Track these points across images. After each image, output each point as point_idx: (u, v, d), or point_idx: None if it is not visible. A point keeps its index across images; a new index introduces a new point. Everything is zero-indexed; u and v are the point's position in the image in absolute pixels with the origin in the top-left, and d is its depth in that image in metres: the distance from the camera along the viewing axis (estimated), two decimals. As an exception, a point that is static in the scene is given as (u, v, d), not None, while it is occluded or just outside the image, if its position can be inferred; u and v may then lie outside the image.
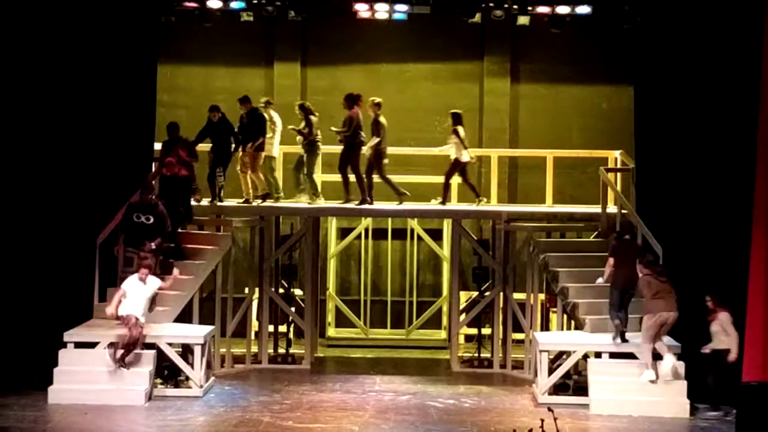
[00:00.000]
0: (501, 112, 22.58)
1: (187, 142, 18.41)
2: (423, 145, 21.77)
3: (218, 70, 22.55)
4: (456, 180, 20.80)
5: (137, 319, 15.97)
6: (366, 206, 19.55)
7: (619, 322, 16.22)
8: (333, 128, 19.60)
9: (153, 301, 16.48)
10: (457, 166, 19.82)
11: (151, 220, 16.80)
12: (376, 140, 19.42)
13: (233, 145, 19.28)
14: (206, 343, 16.61)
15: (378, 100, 19.74)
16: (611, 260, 16.31)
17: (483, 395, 16.99)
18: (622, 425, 15.16)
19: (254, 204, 19.49)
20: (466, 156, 19.73)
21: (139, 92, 17.86)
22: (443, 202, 19.84)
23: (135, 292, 16.16)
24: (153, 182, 17.65)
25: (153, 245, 16.63)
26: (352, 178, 19.60)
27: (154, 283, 16.32)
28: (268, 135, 19.83)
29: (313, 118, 19.78)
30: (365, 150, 19.44)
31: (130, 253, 16.79)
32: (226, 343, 18.74)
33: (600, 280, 16.53)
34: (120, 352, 15.81)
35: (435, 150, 20.47)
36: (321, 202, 19.75)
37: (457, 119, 19.76)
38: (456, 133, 19.73)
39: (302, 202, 19.79)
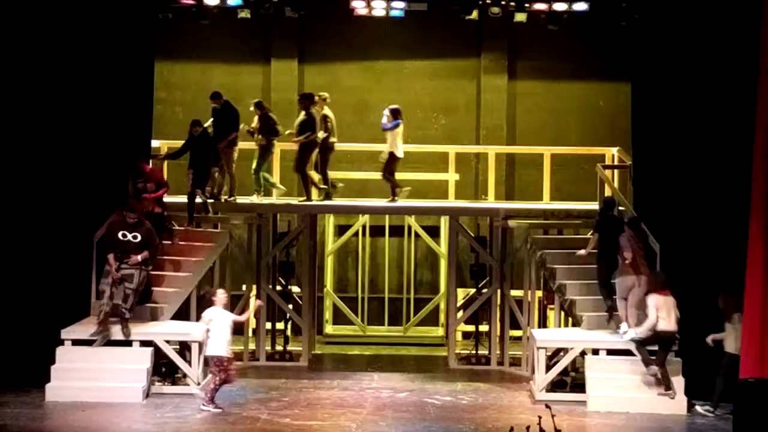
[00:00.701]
0: (498, 109, 22.58)
1: (153, 172, 17.63)
2: (420, 142, 21.78)
3: (215, 67, 22.55)
4: (453, 177, 20.83)
5: (229, 359, 15.43)
6: (327, 202, 19.72)
7: (611, 303, 16.49)
8: (290, 132, 19.53)
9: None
10: (394, 161, 19.77)
11: (138, 238, 16.43)
12: (324, 135, 19.43)
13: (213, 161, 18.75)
14: (204, 340, 16.58)
15: (325, 95, 19.84)
16: (595, 235, 16.81)
17: (480, 392, 17.00)
18: (619, 422, 15.17)
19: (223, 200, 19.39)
20: (401, 151, 19.70)
21: (136, 89, 17.84)
22: (393, 198, 19.78)
23: (219, 325, 15.46)
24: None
25: (139, 258, 16.38)
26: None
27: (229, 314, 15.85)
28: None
29: (272, 116, 19.71)
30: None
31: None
32: (223, 341, 18.73)
33: (582, 252, 16.85)
34: (211, 391, 15.37)
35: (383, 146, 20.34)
36: (272, 198, 19.62)
37: (396, 114, 19.71)
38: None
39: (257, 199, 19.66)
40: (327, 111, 19.69)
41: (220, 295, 15.73)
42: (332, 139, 19.68)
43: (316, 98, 19.78)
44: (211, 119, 19.50)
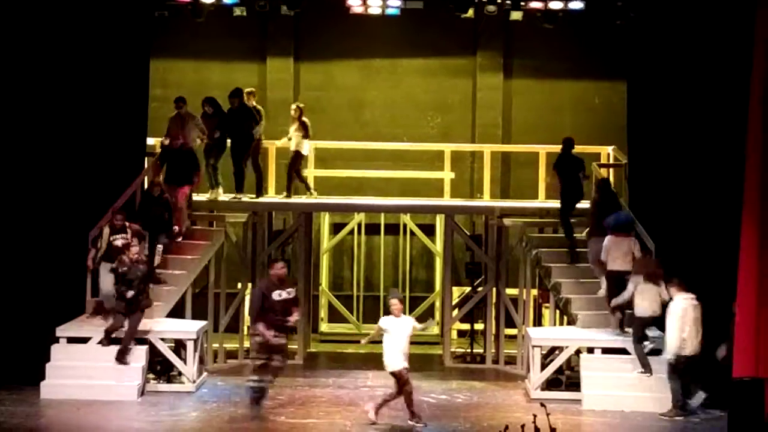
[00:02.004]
0: (494, 108, 22.58)
1: (132, 227, 16.91)
2: (416, 140, 21.79)
3: (211, 65, 22.52)
4: (449, 175, 20.82)
5: (407, 370, 14.52)
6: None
7: (571, 241, 17.85)
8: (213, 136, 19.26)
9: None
10: (299, 159, 19.80)
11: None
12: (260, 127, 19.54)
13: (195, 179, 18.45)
14: (199, 338, 16.60)
15: (252, 89, 19.83)
16: (554, 172, 18.17)
17: (475, 390, 17.01)
18: (614, 421, 15.19)
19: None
20: (306, 149, 19.76)
21: (131, 87, 17.86)
22: (288, 195, 19.84)
23: (395, 336, 14.45)
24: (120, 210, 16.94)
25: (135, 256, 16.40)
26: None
27: (409, 320, 14.78)
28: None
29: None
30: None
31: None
32: (218, 339, 18.76)
33: (548, 180, 18.61)
34: (383, 402, 14.70)
35: (278, 142, 20.37)
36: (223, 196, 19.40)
37: (302, 111, 19.74)
38: (303, 125, 19.69)
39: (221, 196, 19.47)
40: (258, 106, 19.76)
41: (397, 303, 14.63)
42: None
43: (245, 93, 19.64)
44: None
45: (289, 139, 19.96)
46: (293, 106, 20.11)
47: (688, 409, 15.36)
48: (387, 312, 14.82)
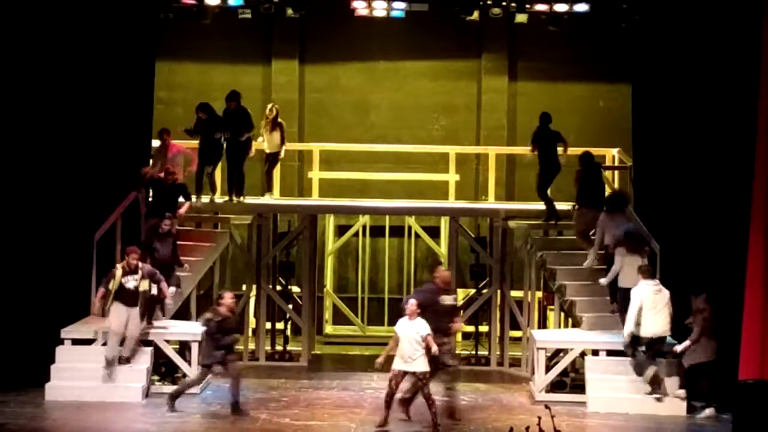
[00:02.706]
0: (499, 110, 22.57)
1: (145, 268, 16.44)
2: (420, 143, 21.79)
3: (216, 67, 22.51)
4: (454, 177, 20.82)
5: (424, 374, 14.28)
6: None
7: (552, 211, 18.40)
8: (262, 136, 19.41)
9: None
10: (276, 160, 19.84)
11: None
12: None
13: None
14: (203, 340, 16.58)
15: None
16: (533, 145, 18.65)
17: (480, 393, 17.00)
18: (618, 423, 15.18)
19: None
20: (282, 151, 19.80)
21: (136, 89, 17.88)
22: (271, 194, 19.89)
23: (407, 338, 14.20)
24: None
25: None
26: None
27: (422, 325, 14.33)
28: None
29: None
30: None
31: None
32: (223, 340, 18.75)
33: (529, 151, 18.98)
34: (409, 399, 14.69)
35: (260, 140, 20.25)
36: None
37: (277, 112, 19.81)
38: (281, 127, 19.69)
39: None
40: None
41: (412, 305, 14.35)
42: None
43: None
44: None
45: (262, 140, 19.84)
46: (269, 106, 19.99)
47: (663, 391, 15.61)
48: (393, 315, 14.73)
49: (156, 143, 18.94)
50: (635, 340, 15.65)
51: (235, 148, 19.01)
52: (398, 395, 14.52)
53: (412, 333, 14.22)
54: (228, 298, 15.49)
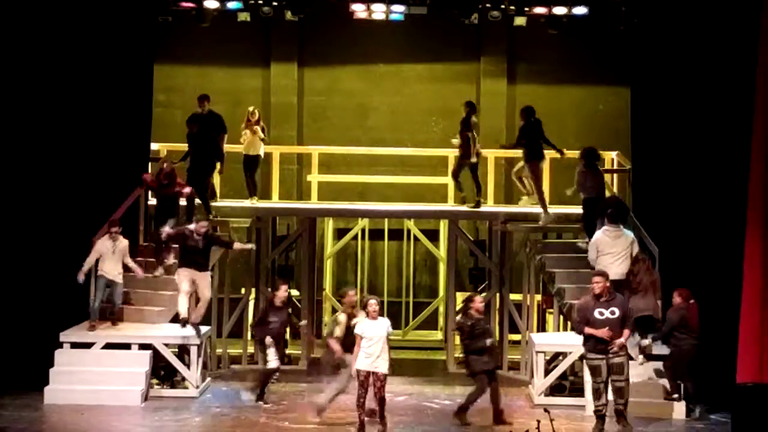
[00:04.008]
0: (498, 113, 22.57)
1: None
2: (420, 146, 21.79)
3: (215, 70, 22.52)
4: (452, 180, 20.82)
5: (386, 376, 14.12)
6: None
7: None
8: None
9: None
10: (257, 163, 19.90)
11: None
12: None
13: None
14: (202, 343, 16.61)
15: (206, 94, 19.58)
16: (523, 141, 18.87)
17: (479, 396, 16.97)
18: (617, 426, 15.14)
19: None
20: (262, 153, 19.88)
21: (135, 92, 17.89)
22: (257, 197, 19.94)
23: (378, 337, 14.07)
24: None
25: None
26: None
27: (385, 323, 14.26)
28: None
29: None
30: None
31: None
32: (222, 344, 18.76)
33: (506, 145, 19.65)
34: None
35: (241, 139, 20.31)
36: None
37: (260, 116, 19.89)
38: (263, 129, 19.77)
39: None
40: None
41: (375, 305, 14.18)
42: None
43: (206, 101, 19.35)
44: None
45: (243, 142, 19.79)
46: (250, 109, 19.95)
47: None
48: (393, 318, 14.68)
49: (155, 146, 18.94)
50: None
51: (206, 150, 18.74)
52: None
53: (381, 332, 14.07)
54: (477, 302, 15.24)
